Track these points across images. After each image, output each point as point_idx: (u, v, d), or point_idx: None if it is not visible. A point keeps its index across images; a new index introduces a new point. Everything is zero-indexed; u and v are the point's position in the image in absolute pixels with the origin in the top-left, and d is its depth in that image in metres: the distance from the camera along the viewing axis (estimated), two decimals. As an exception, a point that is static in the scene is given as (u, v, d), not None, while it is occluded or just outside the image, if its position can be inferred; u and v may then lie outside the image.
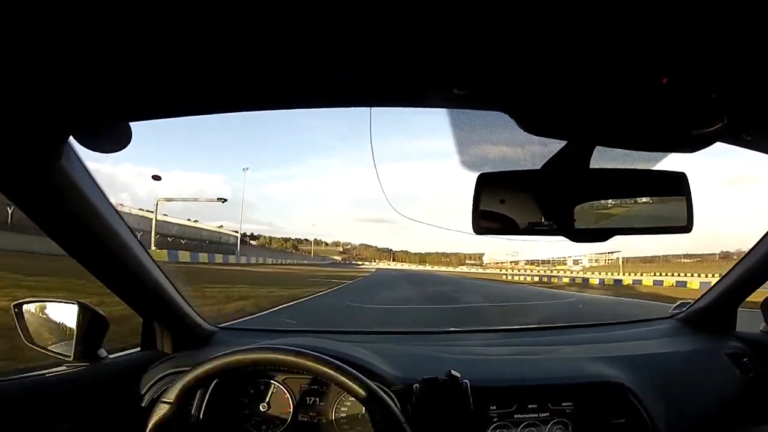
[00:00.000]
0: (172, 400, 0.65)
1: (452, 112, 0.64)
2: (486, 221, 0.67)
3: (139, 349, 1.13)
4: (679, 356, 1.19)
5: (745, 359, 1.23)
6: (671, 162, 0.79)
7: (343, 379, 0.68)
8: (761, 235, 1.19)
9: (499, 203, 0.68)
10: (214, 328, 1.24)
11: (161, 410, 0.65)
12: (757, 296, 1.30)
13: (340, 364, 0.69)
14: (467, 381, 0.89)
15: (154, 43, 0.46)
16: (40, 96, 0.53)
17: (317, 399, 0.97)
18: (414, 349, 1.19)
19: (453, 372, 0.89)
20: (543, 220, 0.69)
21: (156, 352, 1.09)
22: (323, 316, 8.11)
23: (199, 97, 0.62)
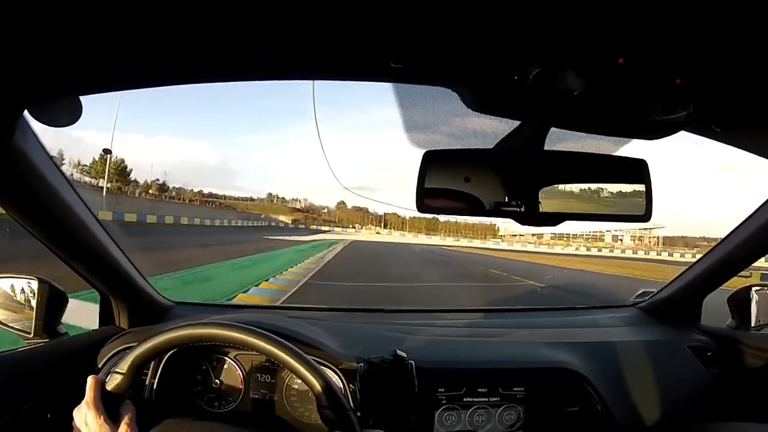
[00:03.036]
0: (124, 371, 0.65)
1: (398, 86, 0.62)
2: (431, 199, 0.65)
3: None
4: (640, 346, 1.17)
5: (709, 353, 1.22)
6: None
7: (285, 356, 0.67)
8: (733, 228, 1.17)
9: (447, 182, 0.66)
10: (171, 303, 1.24)
11: (114, 380, 0.65)
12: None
13: (278, 339, 0.67)
14: (413, 362, 0.88)
15: (104, 15, 0.45)
16: None
17: (268, 376, 0.97)
18: (367, 327, 1.18)
19: (399, 352, 0.88)
20: (492, 201, 0.67)
21: (113, 328, 1.09)
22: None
23: (147, 70, 0.60)
